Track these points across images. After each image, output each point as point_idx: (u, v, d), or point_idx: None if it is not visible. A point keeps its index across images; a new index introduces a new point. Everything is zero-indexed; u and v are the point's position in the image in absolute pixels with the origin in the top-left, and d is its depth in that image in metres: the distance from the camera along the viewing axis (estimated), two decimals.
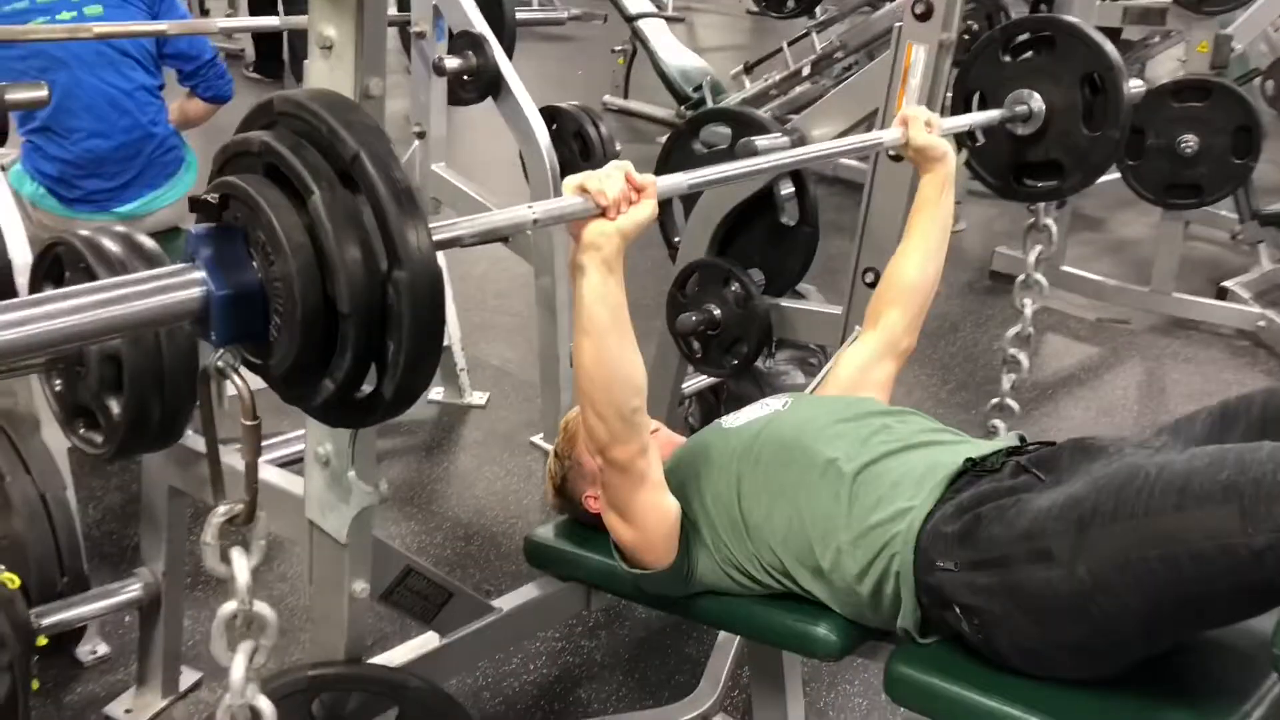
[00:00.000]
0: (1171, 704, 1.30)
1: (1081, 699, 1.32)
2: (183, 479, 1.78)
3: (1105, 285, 4.23)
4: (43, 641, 1.73)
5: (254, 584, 1.00)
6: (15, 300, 0.79)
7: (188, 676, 2.04)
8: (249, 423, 0.93)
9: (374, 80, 1.24)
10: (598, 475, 1.55)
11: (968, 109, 2.04)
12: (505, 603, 1.85)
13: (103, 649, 2.10)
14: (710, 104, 6.02)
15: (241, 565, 0.97)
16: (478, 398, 3.23)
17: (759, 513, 1.51)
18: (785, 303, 2.44)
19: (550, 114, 2.77)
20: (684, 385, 2.81)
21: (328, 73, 1.25)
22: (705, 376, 2.81)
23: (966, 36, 4.58)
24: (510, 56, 2.80)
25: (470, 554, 2.53)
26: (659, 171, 2.60)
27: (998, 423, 2.09)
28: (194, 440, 1.73)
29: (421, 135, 2.99)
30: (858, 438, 1.54)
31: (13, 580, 1.67)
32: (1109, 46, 1.90)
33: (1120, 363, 3.90)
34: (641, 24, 6.44)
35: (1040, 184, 2.02)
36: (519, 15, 3.10)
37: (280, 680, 1.51)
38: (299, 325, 0.81)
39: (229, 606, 1.00)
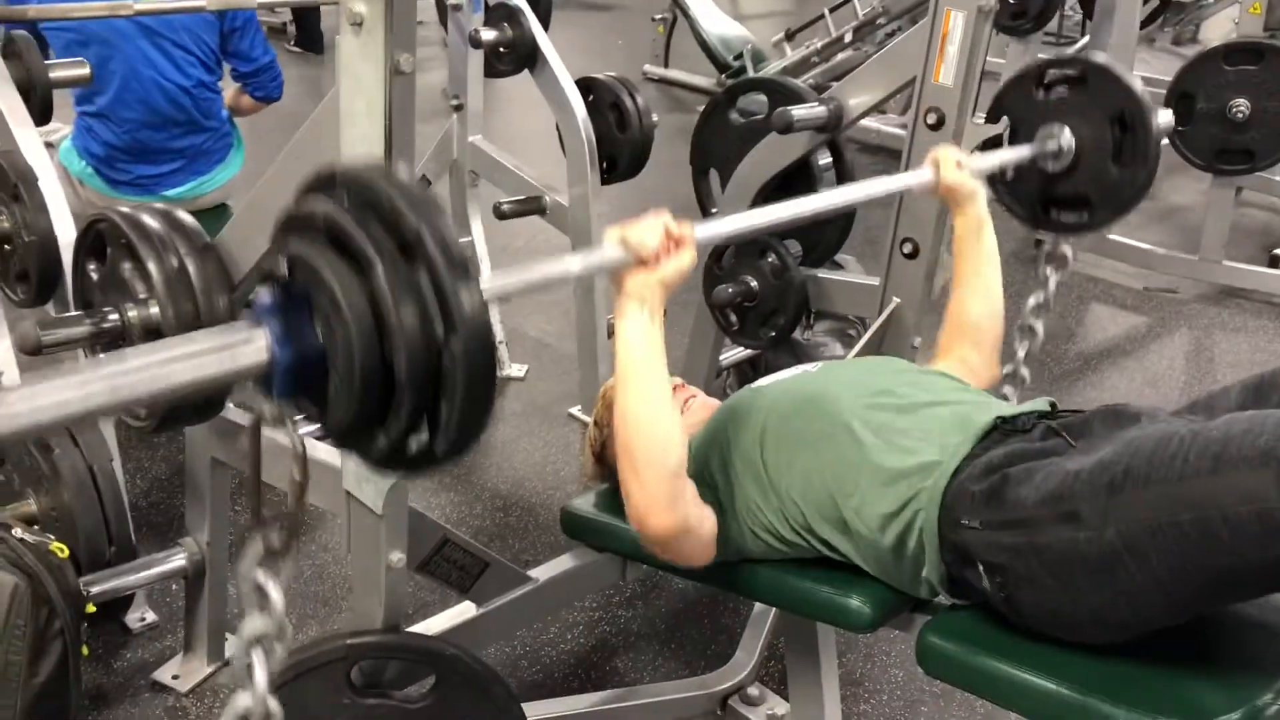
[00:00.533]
0: (1204, 677, 1.29)
1: (1113, 671, 1.31)
2: (224, 451, 1.81)
3: (1153, 253, 4.16)
4: (91, 609, 1.78)
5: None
6: (82, 363, 0.81)
7: (233, 644, 2.09)
8: (297, 478, 0.97)
9: (404, 56, 1.25)
10: None
11: (998, 141, 2.02)
12: (541, 573, 1.87)
13: (151, 616, 2.15)
14: (751, 72, 5.98)
15: (276, 595, 0.99)
16: (517, 370, 3.25)
17: (781, 464, 1.52)
18: (822, 274, 2.43)
19: (586, 85, 2.76)
20: (722, 357, 2.81)
21: (358, 49, 1.26)
22: (742, 349, 2.80)
23: (1011, 1, 4.51)
24: (546, 28, 2.79)
25: (509, 525, 2.56)
26: (696, 140, 2.63)
27: (1008, 390, 2.07)
28: (234, 413, 1.76)
29: (459, 108, 2.99)
30: (885, 390, 1.54)
31: (62, 550, 1.71)
32: (1138, 86, 1.90)
33: (1167, 332, 3.84)
34: None
35: (1069, 217, 2.01)
36: None
37: (319, 648, 1.54)
38: (357, 388, 0.85)
39: (258, 625, 1.01)
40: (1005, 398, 2.32)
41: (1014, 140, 2.00)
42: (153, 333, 1.56)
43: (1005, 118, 2.02)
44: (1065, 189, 1.97)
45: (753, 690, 2.03)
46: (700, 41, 6.28)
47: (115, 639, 2.10)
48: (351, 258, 0.85)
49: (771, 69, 5.84)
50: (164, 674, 2.01)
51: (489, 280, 1.09)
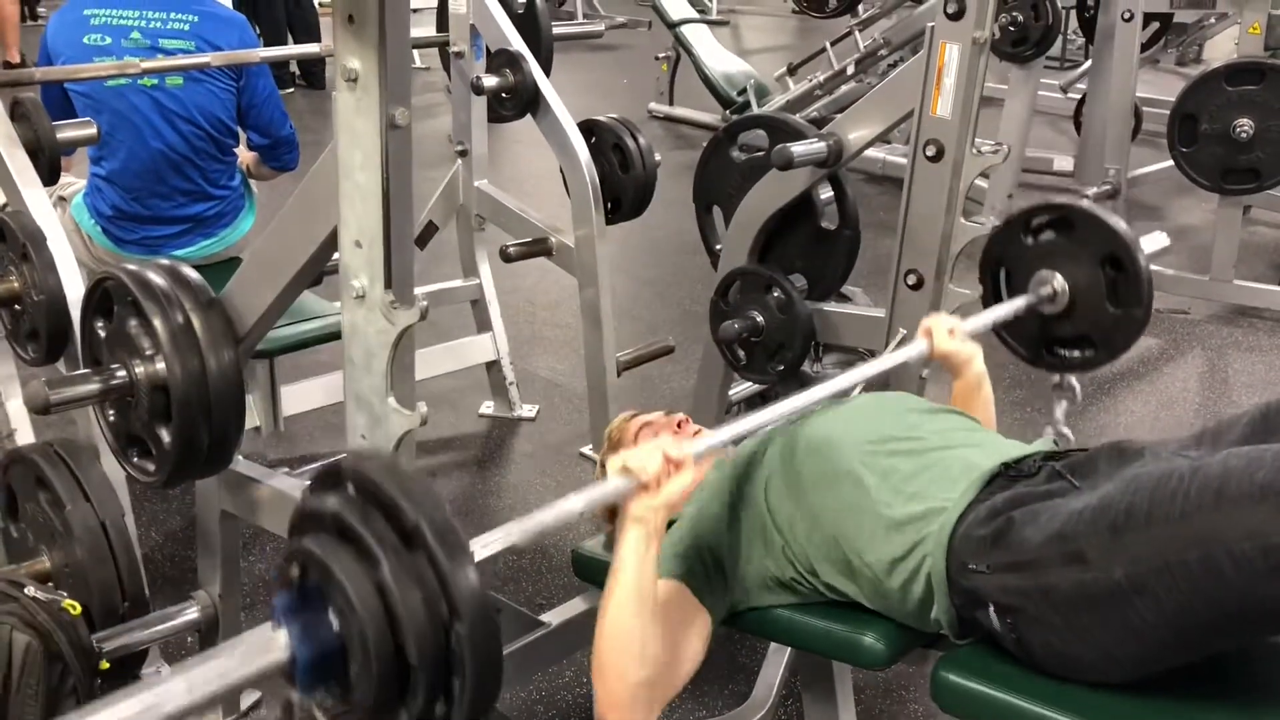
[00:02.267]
0: (1221, 709, 1.27)
1: (1129, 705, 1.30)
2: (234, 503, 1.82)
3: (1163, 275, 4.13)
4: (105, 665, 1.78)
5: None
6: (128, 688, 0.86)
7: (248, 696, 2.08)
8: None
9: (400, 110, 1.27)
10: None
11: (995, 284, 2.04)
12: (553, 617, 1.86)
13: (165, 669, 2.14)
14: (755, 107, 6.02)
15: None
16: (527, 410, 3.26)
17: (786, 508, 1.52)
18: (828, 307, 2.44)
19: (589, 127, 2.78)
20: (731, 392, 2.81)
21: (354, 104, 1.27)
22: (752, 384, 2.80)
23: (1012, 29, 4.53)
24: (548, 73, 2.82)
25: (522, 567, 2.55)
26: (699, 177, 2.65)
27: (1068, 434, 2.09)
28: (244, 465, 1.76)
29: (464, 153, 3.02)
30: (891, 435, 1.55)
31: (74, 607, 1.71)
32: (1123, 227, 1.92)
33: (1181, 354, 3.83)
34: (684, 30, 6.46)
35: (1071, 354, 2.03)
36: (556, 30, 3.12)
37: None
38: (375, 674, 0.91)
39: None
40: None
41: (1010, 285, 2.03)
42: (159, 389, 1.57)
43: (981, 284, 2.05)
44: (1065, 329, 1.99)
45: None
46: (704, 78, 6.34)
47: None
48: (360, 552, 0.92)
49: (775, 103, 5.89)
50: None
51: (493, 539, 1.15)
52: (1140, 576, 1.21)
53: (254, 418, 2.81)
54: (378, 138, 1.26)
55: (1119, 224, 1.93)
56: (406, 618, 0.90)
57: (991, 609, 1.36)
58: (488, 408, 3.28)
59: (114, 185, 2.72)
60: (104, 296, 1.64)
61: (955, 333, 1.75)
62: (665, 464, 1.34)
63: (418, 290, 3.20)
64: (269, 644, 0.92)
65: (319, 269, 1.54)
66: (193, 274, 1.62)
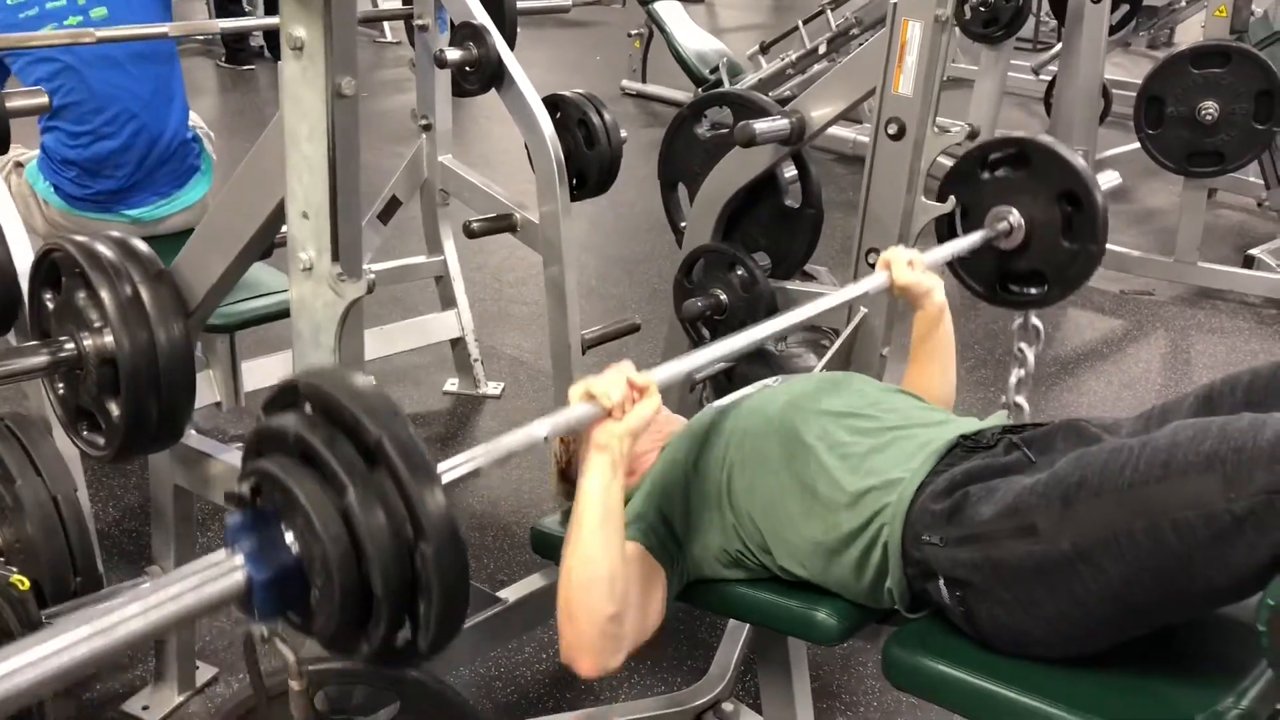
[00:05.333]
0: (1167, 682, 1.29)
1: (1077, 679, 1.31)
2: (187, 478, 1.80)
3: (1128, 256, 4.17)
4: None
5: None
6: (81, 613, 0.84)
7: (204, 672, 2.07)
8: (297, 686, 1.04)
9: (346, 79, 1.25)
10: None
11: (951, 225, 2.06)
12: (511, 593, 1.86)
13: None
14: (727, 85, 5.99)
15: None
16: (492, 388, 3.24)
17: (743, 485, 1.52)
18: (790, 286, 2.43)
19: (554, 103, 2.76)
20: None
21: (300, 73, 1.25)
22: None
23: (983, 9, 4.53)
24: (512, 46, 2.78)
25: (484, 545, 2.55)
26: (664, 154, 2.64)
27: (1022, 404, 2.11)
28: (196, 440, 1.75)
29: (428, 128, 2.99)
30: (848, 412, 1.55)
31: (23, 583, 1.69)
32: (1080, 163, 1.93)
33: (1144, 335, 3.85)
34: (657, 7, 6.41)
35: (1025, 292, 2.05)
36: (521, 4, 3.09)
37: (280, 676, 1.52)
38: (337, 602, 0.89)
39: None
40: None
41: (965, 220, 2.04)
42: (108, 362, 1.55)
43: (952, 198, 2.07)
44: (1020, 265, 2.02)
45: (727, 706, 2.02)
46: (676, 56, 6.30)
47: None
48: (322, 475, 0.89)
49: (747, 81, 5.86)
50: (134, 705, 2.00)
51: (460, 461, 1.14)
52: (1087, 547, 1.21)
53: (215, 393, 2.79)
54: (324, 107, 1.24)
55: (1076, 159, 1.94)
56: (370, 539, 0.86)
57: (942, 582, 1.37)
58: (452, 385, 3.26)
59: (60, 134, 2.70)
60: (51, 268, 1.61)
61: (915, 264, 1.75)
62: (629, 389, 1.32)
63: (381, 265, 3.21)
64: (224, 568, 0.89)
65: (268, 241, 1.52)
66: (142, 246, 1.60)
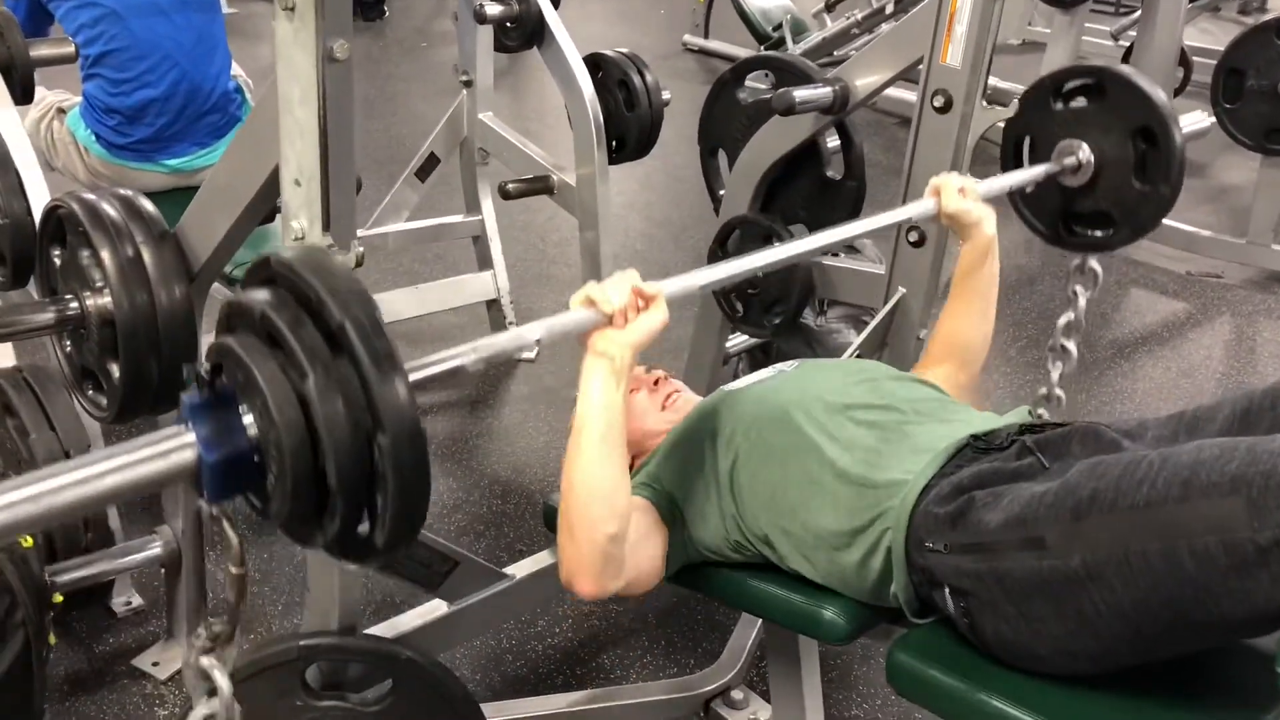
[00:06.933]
0: (1179, 713, 1.21)
1: (1087, 701, 1.24)
2: None
3: (1198, 236, 4.00)
4: (59, 599, 1.76)
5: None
6: (25, 475, 0.80)
7: (165, 667, 2.04)
8: (235, 570, 0.96)
9: (339, 43, 1.19)
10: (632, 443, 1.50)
11: (1018, 156, 1.92)
12: (519, 569, 1.82)
13: (137, 600, 2.13)
14: (791, 44, 5.84)
15: (224, 682, 0.96)
16: (527, 352, 3.20)
17: (747, 474, 1.46)
18: (827, 262, 2.34)
19: (595, 62, 2.69)
20: (733, 342, 2.74)
21: (292, 35, 1.20)
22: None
23: None
24: (556, 4, 2.71)
25: (505, 512, 2.52)
26: (704, 119, 2.55)
27: (1042, 413, 1.99)
28: None
29: (469, 84, 2.93)
30: (858, 404, 1.48)
31: (26, 540, 1.69)
32: (1161, 97, 1.79)
33: (1208, 320, 3.69)
34: None
35: (1090, 234, 1.92)
36: None
37: (271, 649, 1.50)
38: (289, 490, 0.86)
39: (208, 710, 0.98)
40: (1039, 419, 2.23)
41: (1033, 153, 1.91)
42: (109, 323, 1.53)
43: (1002, 154, 1.94)
44: (1086, 204, 1.88)
45: (736, 694, 1.98)
46: (740, 12, 6.15)
47: (100, 623, 2.09)
48: (285, 358, 0.86)
49: (811, 40, 5.71)
50: (144, 660, 2.00)
51: (443, 356, 1.08)
52: (1098, 566, 1.14)
53: None
54: (314, 71, 1.19)
55: (1157, 93, 1.80)
56: (326, 428, 0.83)
57: (946, 591, 1.30)
58: None
59: (102, 81, 2.69)
60: (58, 225, 1.59)
61: (967, 192, 1.65)
62: (633, 297, 1.23)
63: (416, 224, 3.16)
64: (175, 444, 0.85)
65: (270, 205, 1.48)
66: (147, 205, 1.56)
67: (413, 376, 0.92)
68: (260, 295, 0.89)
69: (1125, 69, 1.86)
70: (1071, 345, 2.02)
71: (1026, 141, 1.92)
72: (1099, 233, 1.91)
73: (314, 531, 0.90)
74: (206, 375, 0.90)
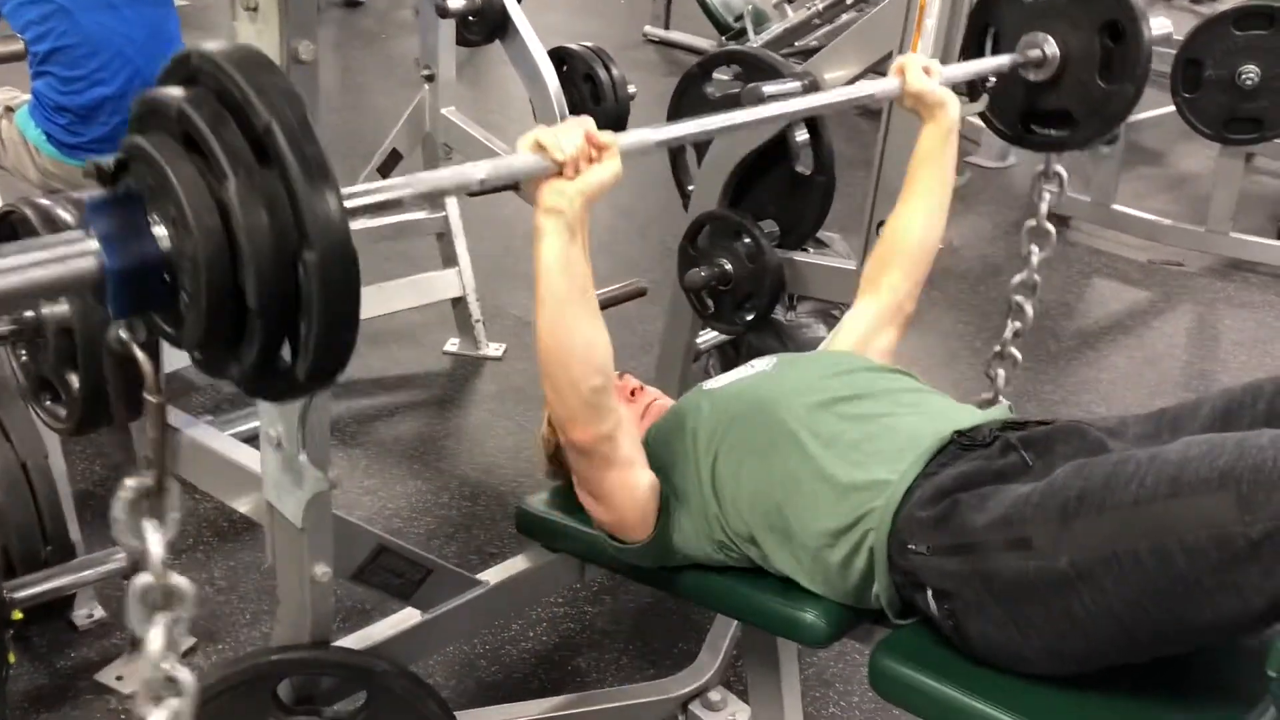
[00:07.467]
0: (1167, 711, 1.21)
1: (1072, 703, 1.23)
2: None
3: (1159, 225, 4.04)
4: (18, 615, 1.71)
5: (168, 556, 0.94)
6: None
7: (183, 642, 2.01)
8: (153, 399, 0.89)
9: (303, 43, 1.16)
10: None
11: (980, 47, 1.89)
12: (492, 576, 1.79)
13: (99, 613, 2.08)
14: (752, 34, 5.83)
15: (154, 540, 0.91)
16: (494, 349, 3.17)
17: (728, 472, 1.44)
18: (798, 257, 2.33)
19: (559, 56, 2.65)
20: (703, 338, 2.72)
21: (255, 36, 1.16)
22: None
23: None
24: None
25: (475, 514, 2.49)
26: (672, 113, 2.53)
27: (999, 372, 1.99)
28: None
29: (430, 78, 2.89)
30: (839, 397, 1.46)
31: None
32: None
33: (1171, 308, 3.73)
34: None
35: (1051, 133, 1.89)
36: None
37: (244, 664, 1.47)
38: (204, 309, 0.78)
39: (143, 579, 0.93)
40: (993, 378, 2.23)
41: (997, 46, 1.88)
42: (66, 332, 1.48)
43: (963, 46, 1.88)
44: (1049, 101, 1.85)
45: (714, 695, 1.96)
46: (701, 2, 6.14)
47: (61, 637, 2.04)
48: (204, 161, 0.78)
49: (772, 31, 5.70)
50: (108, 675, 1.95)
51: (383, 187, 1.00)
52: (1087, 566, 1.13)
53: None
54: None
55: None
56: (248, 251, 0.76)
57: (930, 593, 1.29)
58: (453, 345, 3.19)
59: (52, 79, 2.62)
60: (11, 231, 1.54)
61: (931, 72, 1.64)
62: (585, 144, 1.18)
63: (378, 221, 3.11)
64: (74, 249, 0.76)
65: None
66: None
67: (347, 203, 0.83)
68: (177, 92, 0.80)
69: None
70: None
71: (990, 33, 1.89)
72: (1059, 132, 1.88)
73: (229, 360, 0.83)
74: (110, 170, 0.82)
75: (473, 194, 2.82)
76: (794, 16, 5.80)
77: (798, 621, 1.45)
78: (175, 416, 1.71)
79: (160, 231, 0.79)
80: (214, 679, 1.43)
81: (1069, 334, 3.47)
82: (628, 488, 1.42)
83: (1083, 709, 1.22)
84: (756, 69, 2.30)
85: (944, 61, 1.85)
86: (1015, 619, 1.20)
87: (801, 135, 2.34)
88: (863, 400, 1.45)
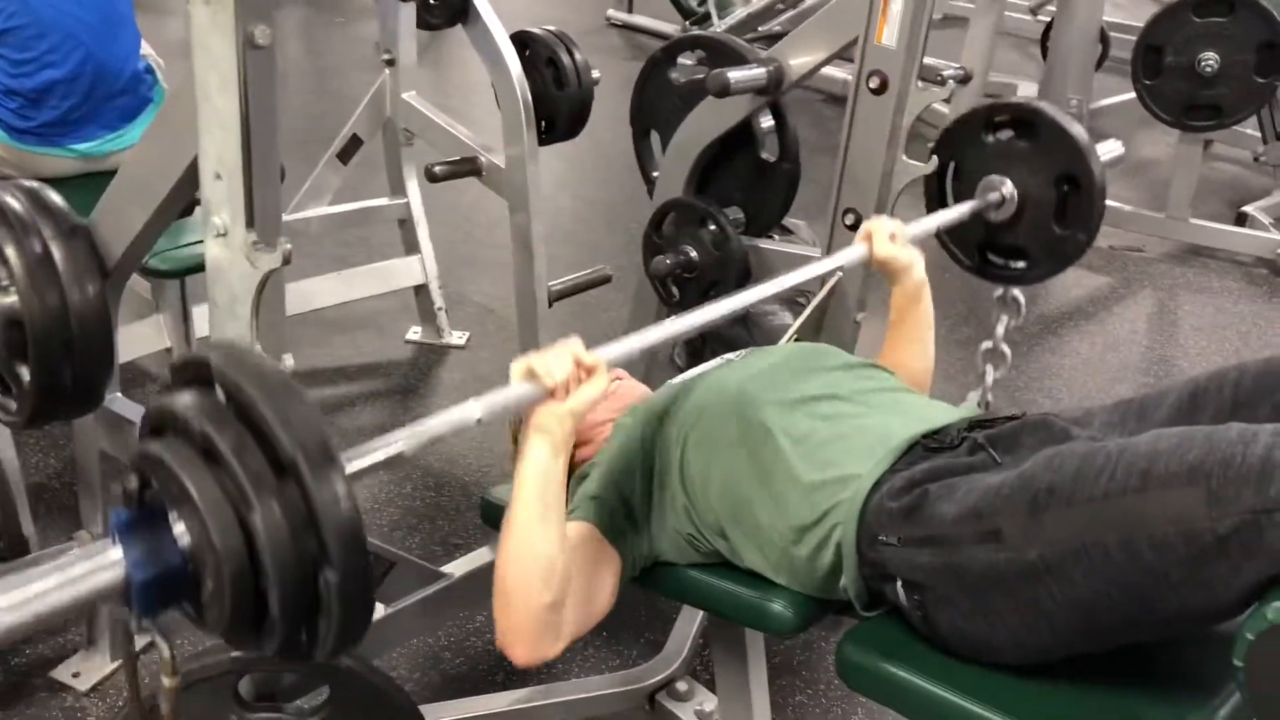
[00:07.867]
0: (1135, 697, 1.21)
1: (1039, 691, 1.23)
2: (111, 443, 1.70)
3: (1119, 211, 4.06)
4: None
5: None
6: None
7: (140, 638, 1.98)
8: (169, 683, 0.96)
9: (260, 28, 1.13)
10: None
11: (941, 189, 1.98)
12: (457, 568, 1.78)
13: None
14: (716, 19, 5.81)
15: None
16: (457, 337, 3.14)
17: (698, 465, 1.44)
18: (763, 244, 2.32)
19: (522, 40, 2.62)
20: None
21: (209, 19, 1.13)
22: None
23: None
24: None
25: (440, 505, 2.46)
26: (635, 100, 2.51)
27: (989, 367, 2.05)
28: (120, 404, 1.64)
29: (391, 63, 2.84)
30: (811, 394, 1.46)
31: None
32: (1086, 143, 1.83)
33: (1131, 294, 3.76)
34: None
35: (1008, 266, 1.99)
36: None
37: (203, 661, 1.44)
38: (229, 610, 0.83)
39: None
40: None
41: (956, 182, 1.96)
42: (16, 324, 1.44)
43: (935, 159, 1.98)
44: (1007, 239, 1.94)
45: (681, 685, 1.96)
46: None
47: None
48: (226, 479, 0.82)
49: (735, 15, 5.68)
50: (63, 672, 1.91)
51: (382, 444, 1.04)
52: (1056, 558, 1.13)
53: (165, 338, 2.68)
54: (234, 58, 1.12)
55: (1084, 140, 1.85)
56: (271, 558, 0.81)
57: (899, 584, 1.29)
58: (415, 333, 3.15)
59: (4, 61, 2.55)
60: None
61: (896, 237, 1.66)
62: (575, 369, 1.23)
63: (340, 208, 3.07)
64: (99, 564, 0.83)
65: (188, 198, 1.41)
66: (55, 198, 1.48)
67: (350, 470, 0.91)
68: (194, 402, 0.85)
69: (1053, 112, 1.89)
70: (989, 371, 2.09)
71: (950, 170, 1.97)
72: (1016, 266, 1.98)
73: (251, 643, 0.88)
74: (134, 489, 0.87)
75: (434, 180, 2.76)
76: (757, 1, 5.78)
77: (765, 611, 1.45)
78: (130, 408, 1.67)
79: (181, 529, 0.83)
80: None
81: (1031, 320, 3.49)
82: (594, 622, 1.41)
83: (1049, 697, 1.23)
84: (721, 54, 2.29)
85: (914, 35, 1.86)
86: (984, 610, 1.20)
87: (767, 122, 2.33)
88: (835, 401, 1.45)
